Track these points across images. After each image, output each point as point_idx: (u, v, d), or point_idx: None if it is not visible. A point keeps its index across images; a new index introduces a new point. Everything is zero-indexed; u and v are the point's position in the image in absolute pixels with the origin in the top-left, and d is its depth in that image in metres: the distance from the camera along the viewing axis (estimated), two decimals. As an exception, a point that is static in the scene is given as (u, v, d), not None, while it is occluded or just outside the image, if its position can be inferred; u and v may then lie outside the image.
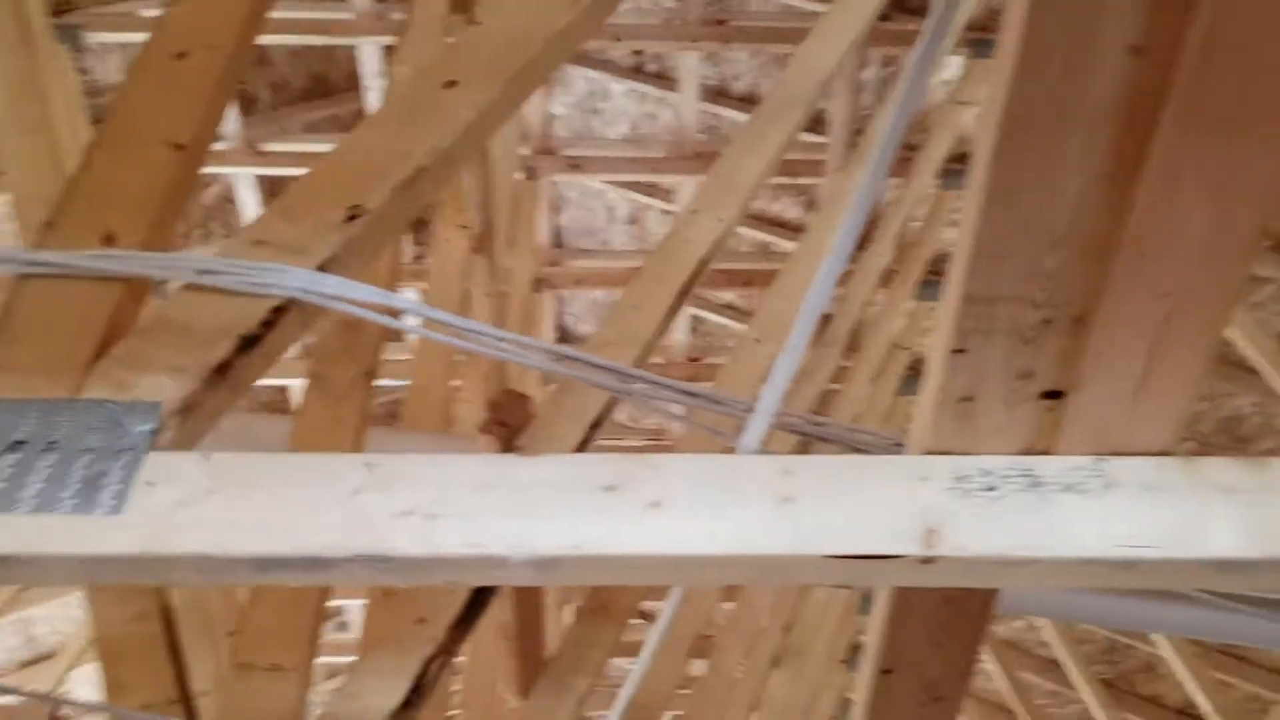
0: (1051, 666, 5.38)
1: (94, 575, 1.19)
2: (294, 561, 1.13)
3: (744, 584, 4.10)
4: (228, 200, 5.56)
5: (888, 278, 4.59)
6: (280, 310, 1.34)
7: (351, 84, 5.57)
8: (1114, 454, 1.16)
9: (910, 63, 1.10)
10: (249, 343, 1.31)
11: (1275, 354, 4.37)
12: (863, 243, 4.20)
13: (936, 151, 4.52)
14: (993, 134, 0.97)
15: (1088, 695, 4.86)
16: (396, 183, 1.47)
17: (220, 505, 1.15)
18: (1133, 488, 1.14)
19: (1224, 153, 0.96)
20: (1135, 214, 1.00)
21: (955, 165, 4.65)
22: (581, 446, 2.12)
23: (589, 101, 5.48)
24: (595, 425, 2.14)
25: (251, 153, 5.18)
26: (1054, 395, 1.14)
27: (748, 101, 5.28)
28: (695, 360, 5.83)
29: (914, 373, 5.58)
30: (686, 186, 5.43)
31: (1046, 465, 1.16)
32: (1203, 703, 4.02)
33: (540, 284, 5.43)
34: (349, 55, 5.40)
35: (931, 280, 5.14)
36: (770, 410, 1.23)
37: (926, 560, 1.10)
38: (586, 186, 5.70)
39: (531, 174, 5.14)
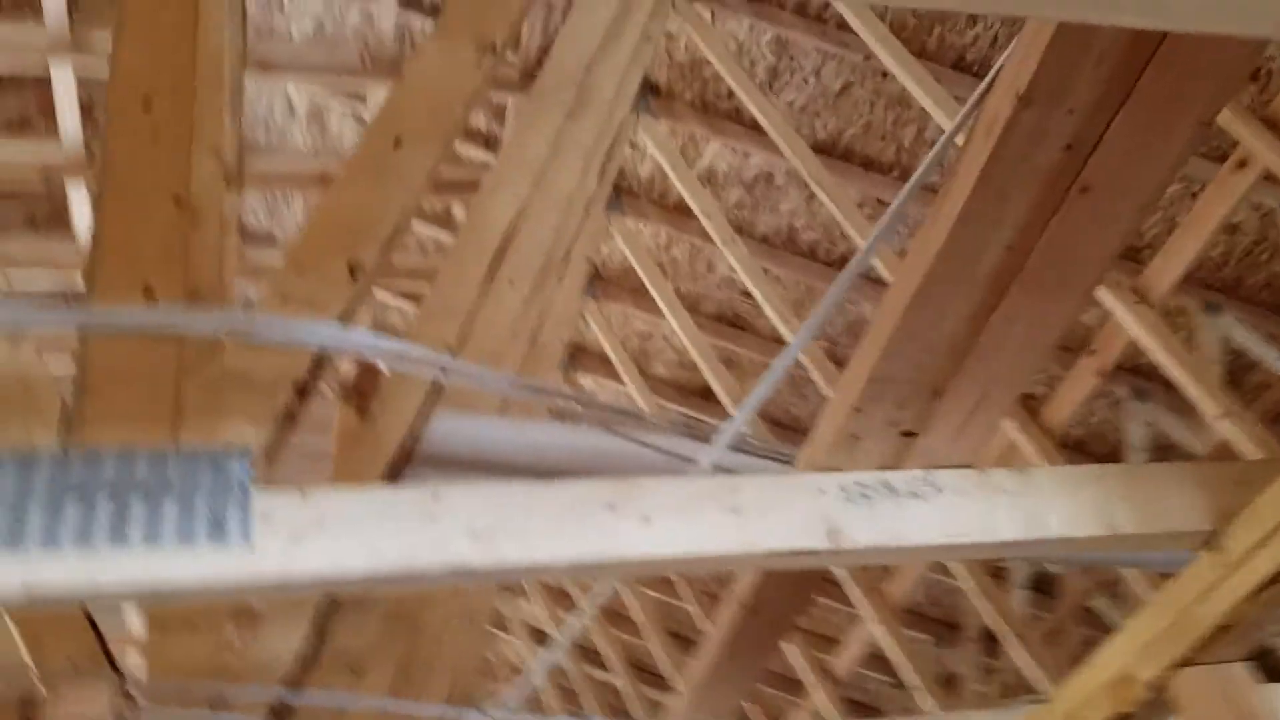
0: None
1: (238, 597, 1.49)
2: (396, 577, 1.50)
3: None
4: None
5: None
6: (319, 361, 1.65)
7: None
8: (939, 468, 1.75)
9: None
10: (303, 390, 1.62)
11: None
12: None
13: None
14: (914, 285, 1.49)
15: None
16: (383, 241, 1.78)
17: (331, 534, 1.48)
18: (952, 491, 1.73)
19: (1040, 307, 1.54)
20: (982, 336, 1.57)
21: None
22: (424, 407, 2.49)
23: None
24: (435, 389, 2.51)
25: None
26: (910, 434, 1.70)
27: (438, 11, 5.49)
28: None
29: (593, 279, 6.17)
30: (377, 94, 5.57)
31: (898, 478, 1.73)
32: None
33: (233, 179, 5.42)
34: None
35: (610, 196, 5.71)
36: (727, 441, 1.71)
37: (832, 551, 1.64)
38: (267, 85, 5.69)
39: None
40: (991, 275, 1.48)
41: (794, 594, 1.95)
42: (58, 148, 5.28)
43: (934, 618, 6.04)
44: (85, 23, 5.05)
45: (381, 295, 6.21)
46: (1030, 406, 4.48)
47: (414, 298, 6.30)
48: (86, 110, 5.22)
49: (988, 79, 1.40)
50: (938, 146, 1.56)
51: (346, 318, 1.68)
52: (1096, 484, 1.76)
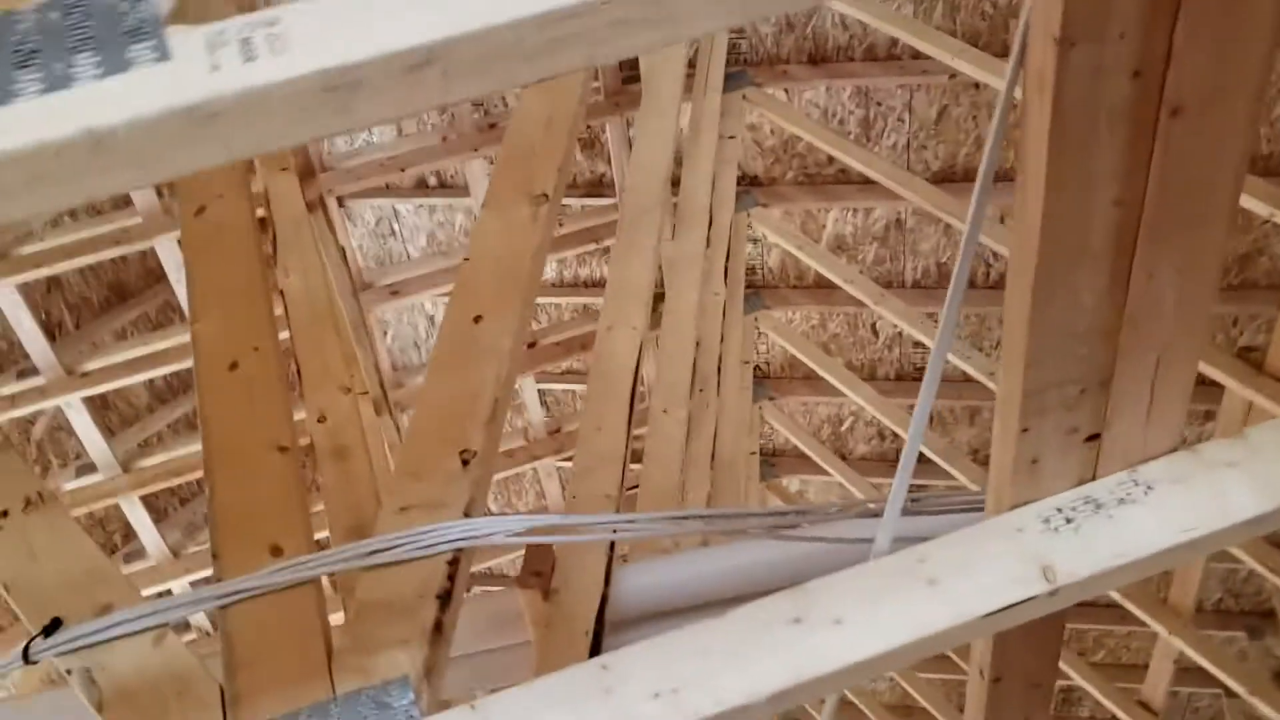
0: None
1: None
2: (591, 765, 1.38)
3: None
4: (59, 429, 5.47)
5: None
6: (454, 562, 1.57)
7: (149, 282, 5.58)
8: (1141, 463, 1.54)
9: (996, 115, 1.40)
10: (446, 598, 1.54)
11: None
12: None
13: (726, 185, 4.98)
14: (1029, 281, 1.33)
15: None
16: (485, 420, 1.72)
17: (509, 742, 1.38)
18: (1165, 483, 1.52)
19: (1180, 251, 1.35)
20: (1129, 304, 1.38)
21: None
22: (606, 569, 2.39)
23: (382, 227, 5.67)
24: (611, 551, 2.41)
25: (72, 378, 5.12)
26: (1093, 438, 1.51)
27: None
28: (556, 432, 6.08)
29: (759, 380, 6.06)
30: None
31: (1099, 489, 1.53)
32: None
33: (381, 407, 5.55)
34: (139, 256, 5.42)
35: (749, 295, 5.64)
36: (897, 512, 1.55)
37: (1052, 593, 1.45)
38: (404, 308, 5.87)
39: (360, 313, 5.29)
40: (1110, 237, 1.31)
41: (1039, 650, 1.74)
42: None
43: (1242, 611, 5.53)
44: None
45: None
46: (1253, 359, 4.10)
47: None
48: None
49: (1020, 30, 1.25)
50: (997, 112, 1.40)
51: (471, 510, 1.61)
52: (1329, 422, 1.52)
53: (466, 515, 1.61)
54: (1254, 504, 1.48)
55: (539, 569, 2.50)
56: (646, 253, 3.08)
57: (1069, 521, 1.50)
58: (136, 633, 1.50)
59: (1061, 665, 4.99)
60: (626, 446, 2.64)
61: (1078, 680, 4.96)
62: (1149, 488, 1.52)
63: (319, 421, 2.65)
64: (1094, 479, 1.55)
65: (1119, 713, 4.80)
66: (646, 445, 3.62)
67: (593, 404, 2.74)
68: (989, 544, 1.49)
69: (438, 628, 1.51)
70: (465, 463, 1.67)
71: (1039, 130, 1.22)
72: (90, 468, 5.31)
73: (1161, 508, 1.50)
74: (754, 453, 5.92)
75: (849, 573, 1.50)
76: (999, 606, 1.44)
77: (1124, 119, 1.22)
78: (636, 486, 3.34)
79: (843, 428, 6.24)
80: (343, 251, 3.87)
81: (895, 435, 5.96)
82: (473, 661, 2.45)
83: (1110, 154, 1.24)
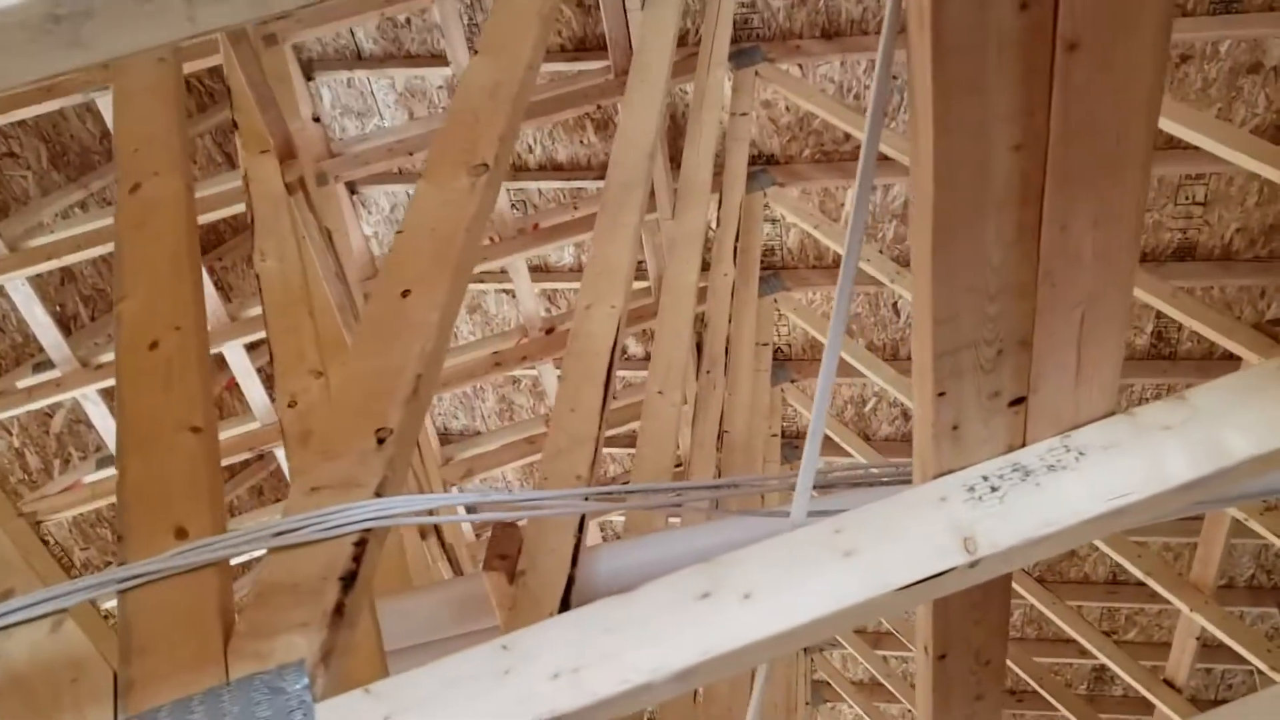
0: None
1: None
2: (483, 748, 1.33)
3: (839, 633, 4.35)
4: (78, 422, 5.51)
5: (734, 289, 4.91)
6: (361, 543, 1.52)
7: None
8: (1074, 428, 1.45)
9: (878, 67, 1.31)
10: (350, 580, 1.49)
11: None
12: (705, 266, 4.50)
13: (737, 163, 4.89)
14: (928, 233, 1.25)
15: (1027, 594, 5.28)
16: (405, 397, 1.67)
17: (403, 725, 1.33)
18: (1097, 449, 1.43)
19: (1094, 201, 1.26)
20: (1042, 259, 1.29)
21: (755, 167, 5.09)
22: (574, 551, 2.33)
23: (397, 214, 5.65)
24: (579, 529, 2.35)
25: (88, 370, 5.16)
26: (1018, 401, 1.43)
27: (546, 170, 5.53)
28: (551, 331, 5.82)
29: (779, 362, 5.97)
30: (521, 269, 5.62)
31: (1028, 456, 1.45)
32: (1131, 566, 4.45)
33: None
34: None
35: (766, 276, 5.54)
36: (809, 482, 1.48)
37: (973, 565, 1.37)
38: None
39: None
40: (1013, 186, 1.22)
41: (981, 622, 1.65)
42: (254, 421, 5.52)
43: (1275, 586, 5.36)
44: (240, 304, 5.33)
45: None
46: (1275, 333, 3.95)
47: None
48: (270, 380, 5.46)
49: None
50: (880, 53, 1.31)
51: (384, 490, 1.56)
52: (1277, 379, 1.43)
53: (378, 495, 1.56)
54: (1189, 469, 1.39)
55: (505, 552, 2.45)
56: (628, 230, 3.02)
57: (994, 490, 1.42)
58: (35, 619, 1.47)
59: (1086, 644, 4.87)
60: (600, 428, 2.58)
61: (1103, 659, 4.83)
62: (1080, 454, 1.43)
63: (289, 406, 2.61)
64: (1024, 445, 1.47)
65: (1144, 691, 4.67)
66: (642, 426, 3.56)
67: (568, 384, 2.68)
68: (909, 514, 1.42)
69: (339, 610, 1.46)
70: (381, 441, 1.62)
71: (922, 66, 1.14)
72: (110, 460, 5.35)
73: (1092, 475, 1.41)
74: (775, 434, 5.83)
75: (761, 545, 1.43)
76: (916, 579, 1.37)
77: (1015, 55, 1.14)
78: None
79: (866, 408, 6.14)
80: (328, 234, 3.84)
81: (920, 415, 5.85)
82: (441, 647, 2.41)
83: (1003, 94, 1.16)
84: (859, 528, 1.41)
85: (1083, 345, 1.39)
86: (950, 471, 1.46)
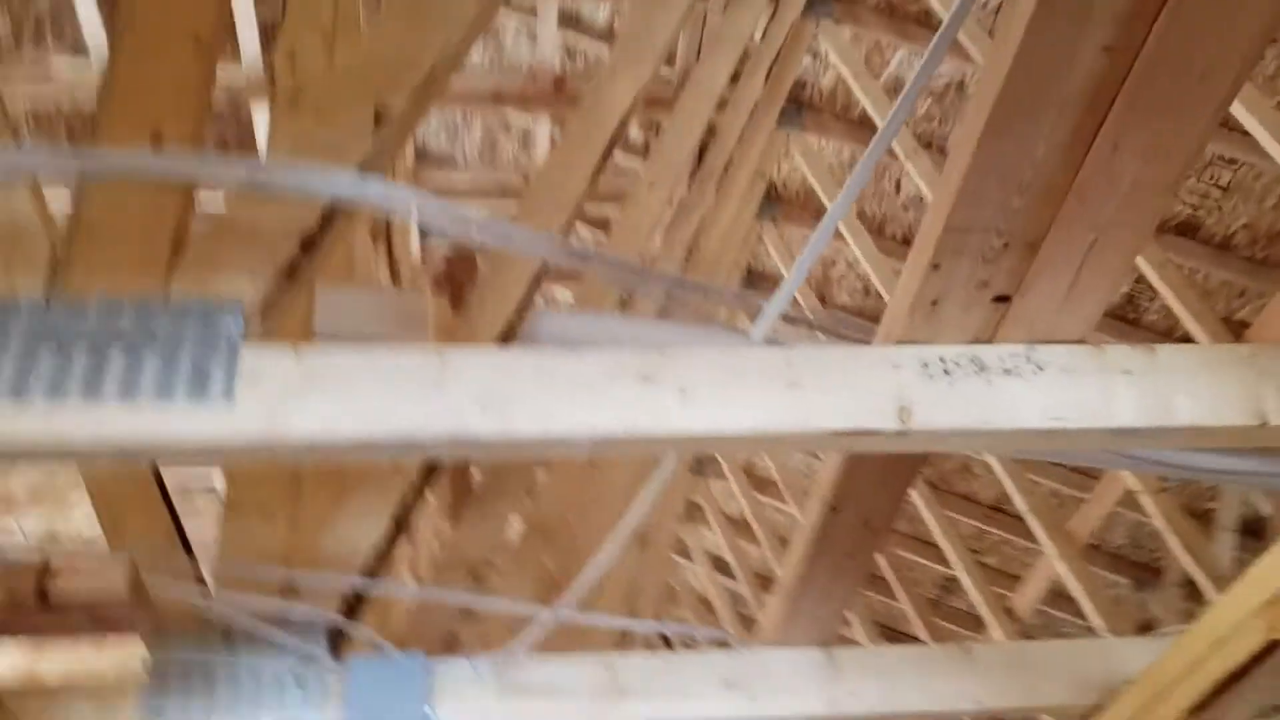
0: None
1: (214, 459, 1.38)
2: (391, 445, 1.35)
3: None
4: (66, 6, 5.31)
5: (754, 110, 4.82)
6: (330, 215, 1.50)
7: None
8: (1042, 343, 1.47)
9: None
10: (310, 243, 1.48)
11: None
12: (735, 77, 4.39)
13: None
14: (987, 108, 1.22)
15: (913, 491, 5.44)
16: (414, 86, 1.62)
17: (321, 395, 1.34)
18: (1056, 369, 1.45)
19: (1155, 130, 1.24)
20: (1082, 170, 1.28)
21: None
22: (524, 300, 2.34)
23: None
24: (535, 280, 2.35)
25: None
26: (1002, 299, 1.43)
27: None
28: (560, 86, 5.70)
29: (770, 199, 5.92)
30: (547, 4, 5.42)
31: (988, 353, 1.46)
32: (1017, 499, 4.59)
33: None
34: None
35: (789, 109, 5.42)
36: (781, 307, 1.48)
37: (901, 433, 1.40)
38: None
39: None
40: (1088, 88, 1.19)
41: (881, 490, 1.70)
42: (239, 70, 5.35)
43: (1136, 561, 5.58)
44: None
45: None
46: (1239, 332, 4.00)
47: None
48: (266, 31, 5.26)
49: None
50: None
51: (367, 168, 1.53)
52: (1245, 365, 1.45)
53: (360, 171, 1.54)
54: (1134, 416, 1.41)
55: (457, 278, 2.45)
56: (675, 11, 2.91)
57: (947, 374, 1.44)
58: (-9, 174, 1.44)
59: (950, 553, 5.07)
60: (584, 192, 2.55)
61: (958, 573, 5.04)
62: (1039, 368, 1.45)
63: (287, 57, 2.52)
64: (990, 341, 1.48)
65: (984, 611, 4.90)
66: (623, 212, 3.52)
67: (569, 140, 2.64)
68: (860, 368, 1.43)
69: (291, 269, 1.46)
70: (379, 119, 1.58)
71: (1045, -63, 1.09)
72: (86, 52, 5.18)
73: (1044, 390, 1.43)
74: (739, 266, 5.83)
75: (714, 351, 1.44)
76: (845, 429, 1.39)
77: (1142, -47, 1.09)
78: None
79: (832, 270, 6.14)
80: None
81: (880, 295, 5.87)
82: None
83: (1116, -11, 1.12)
84: (809, 365, 1.43)
85: (1084, 267, 1.39)
86: (912, 342, 1.47)
